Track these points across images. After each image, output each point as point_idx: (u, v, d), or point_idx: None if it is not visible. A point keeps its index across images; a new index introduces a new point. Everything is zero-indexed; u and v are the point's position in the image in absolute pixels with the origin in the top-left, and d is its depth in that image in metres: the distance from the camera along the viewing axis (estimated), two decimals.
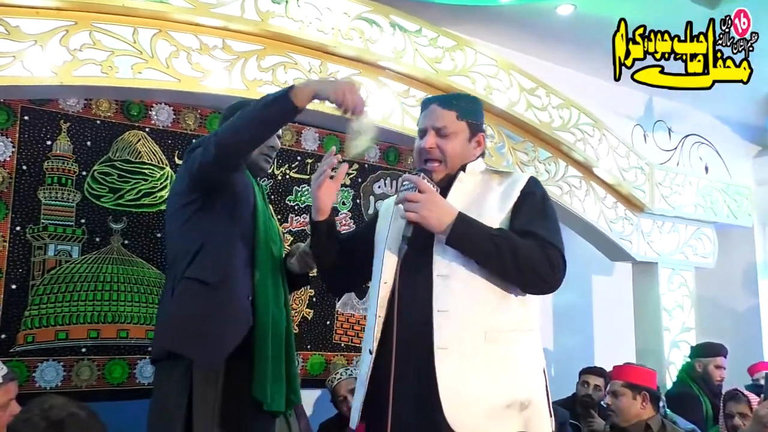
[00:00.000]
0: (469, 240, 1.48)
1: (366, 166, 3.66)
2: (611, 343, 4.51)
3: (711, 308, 4.85)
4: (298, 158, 3.41)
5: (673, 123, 5.18)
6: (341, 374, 2.95)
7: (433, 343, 1.46)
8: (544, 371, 1.58)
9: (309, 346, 3.34)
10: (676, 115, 5.17)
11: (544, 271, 1.49)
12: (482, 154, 1.73)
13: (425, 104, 1.70)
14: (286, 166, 3.36)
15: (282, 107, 1.73)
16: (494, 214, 1.55)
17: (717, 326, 4.66)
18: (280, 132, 2.12)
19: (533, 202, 1.58)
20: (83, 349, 2.68)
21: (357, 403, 1.61)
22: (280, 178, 3.33)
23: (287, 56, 2.86)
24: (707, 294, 4.79)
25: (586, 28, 3.94)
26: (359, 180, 3.62)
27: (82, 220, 2.76)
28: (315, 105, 2.86)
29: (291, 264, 2.12)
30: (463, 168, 1.65)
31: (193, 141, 1.92)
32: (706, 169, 5.28)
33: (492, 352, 1.48)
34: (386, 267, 1.58)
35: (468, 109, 1.69)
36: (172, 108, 3.02)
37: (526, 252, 1.47)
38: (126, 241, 2.85)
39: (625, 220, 4.11)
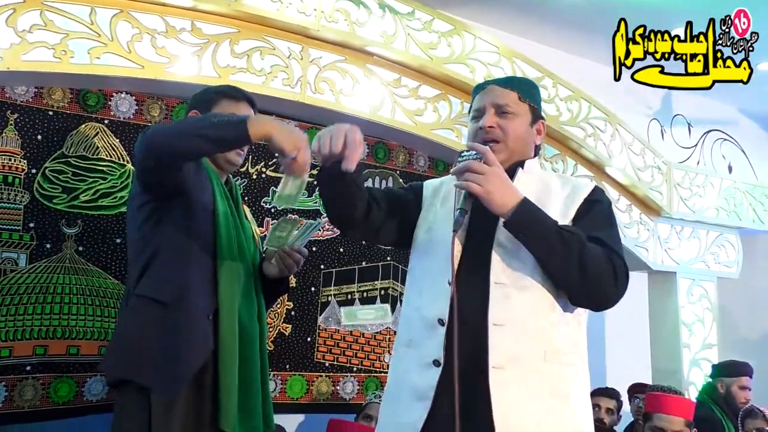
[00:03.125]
0: (534, 228, 1.44)
1: None
2: (624, 361, 4.51)
3: (735, 323, 4.87)
4: (276, 155, 3.37)
5: (693, 117, 5.19)
6: (371, 396, 3.06)
7: (488, 361, 1.43)
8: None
9: (288, 366, 3.30)
10: (697, 109, 5.18)
11: (607, 281, 1.46)
12: (538, 152, 1.73)
13: (480, 87, 1.71)
14: (263, 163, 3.33)
15: (234, 133, 1.72)
16: (556, 217, 1.52)
17: (742, 343, 4.68)
18: None
19: (600, 210, 1.58)
20: (28, 367, 2.64)
21: (412, 418, 1.50)
22: (255, 176, 3.29)
23: (264, 40, 2.85)
24: (731, 307, 4.80)
25: (597, 11, 3.94)
26: None
27: (31, 224, 2.71)
28: (295, 95, 2.90)
29: (268, 267, 2.10)
30: (521, 164, 1.64)
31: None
32: (730, 168, 5.30)
33: (550, 373, 1.46)
34: (453, 265, 1.50)
35: (529, 91, 1.69)
36: (134, 98, 2.98)
37: (594, 255, 1.44)
38: (81, 248, 2.80)
39: (640, 224, 4.12)
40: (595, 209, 1.57)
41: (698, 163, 5.16)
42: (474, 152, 1.48)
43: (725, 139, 5.39)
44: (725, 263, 4.52)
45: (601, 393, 3.60)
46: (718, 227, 4.49)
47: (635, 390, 3.89)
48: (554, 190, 1.61)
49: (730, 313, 4.77)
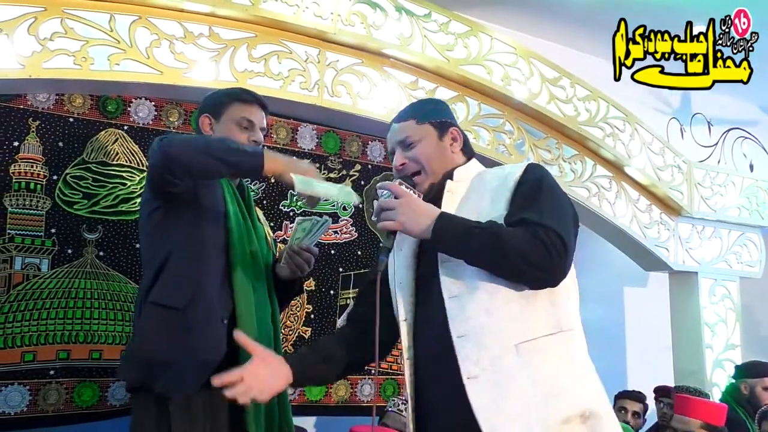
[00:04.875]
0: (449, 237, 1.47)
1: (369, 167, 3.65)
2: (646, 363, 4.49)
3: (758, 323, 4.82)
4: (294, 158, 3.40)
5: (713, 116, 5.16)
6: (391, 404, 3.01)
7: (461, 375, 1.44)
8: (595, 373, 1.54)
9: None
10: (717, 107, 5.15)
11: (538, 256, 1.42)
12: (471, 155, 1.74)
13: (388, 130, 1.77)
14: None
15: (249, 162, 1.79)
16: (489, 212, 1.53)
17: (765, 343, 4.63)
18: (264, 124, 2.13)
19: (526, 189, 1.55)
20: (51, 372, 2.68)
21: None
22: (273, 180, 3.32)
23: (281, 44, 2.87)
24: (754, 307, 4.76)
25: (614, 11, 3.92)
26: (362, 182, 3.61)
27: (53, 230, 2.75)
28: (312, 99, 2.92)
29: (280, 268, 2.11)
30: (450, 176, 1.66)
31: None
32: (751, 167, 5.26)
33: (529, 365, 1.44)
34: (400, 303, 1.59)
35: (424, 111, 1.74)
36: (153, 103, 3.02)
37: (510, 238, 1.42)
38: (101, 253, 2.84)
39: (660, 224, 4.10)
40: (522, 190, 1.55)
41: (719, 161, 5.12)
42: (387, 191, 1.54)
43: (746, 138, 5.35)
44: (748, 263, 4.48)
45: (627, 396, 3.58)
46: (740, 226, 4.45)
47: (661, 393, 3.87)
48: (488, 186, 1.61)
49: (753, 313, 4.73)
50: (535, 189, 1.54)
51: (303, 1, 2.85)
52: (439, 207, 1.56)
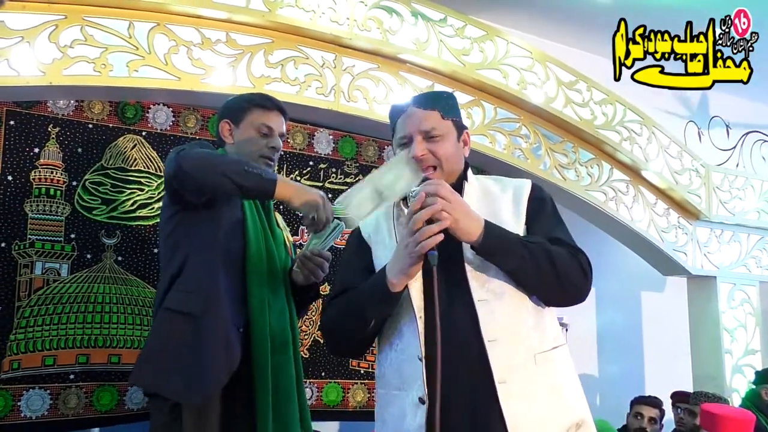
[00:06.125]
0: (502, 249, 1.49)
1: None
2: (664, 368, 4.48)
3: None
4: (311, 163, 3.44)
5: (731, 119, 5.14)
6: None
7: (494, 379, 1.46)
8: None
9: (324, 374, 3.35)
10: (735, 110, 5.13)
11: (577, 278, 1.53)
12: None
13: (400, 110, 1.68)
14: (297, 172, 3.39)
15: (262, 187, 1.82)
16: (511, 224, 1.57)
17: None
18: (283, 130, 2.15)
19: (547, 208, 1.63)
20: (71, 376, 2.72)
21: None
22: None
23: (298, 50, 2.90)
24: None
25: (630, 14, 3.93)
26: None
27: (72, 235, 2.80)
28: (329, 104, 2.95)
29: (294, 275, 2.12)
30: (465, 176, 1.66)
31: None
32: None
33: (543, 374, 1.51)
34: (415, 298, 1.53)
35: (448, 105, 1.69)
36: (171, 109, 3.06)
37: (560, 257, 1.50)
38: (120, 258, 2.88)
39: (678, 228, 4.09)
40: (544, 209, 1.62)
41: (737, 165, 5.10)
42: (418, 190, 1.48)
43: (765, 140, 5.32)
44: (767, 267, 4.47)
45: (643, 401, 3.57)
46: (759, 230, 4.43)
47: (678, 398, 3.86)
48: (498, 195, 1.64)
49: None
50: (554, 209, 1.65)
51: (319, 6, 2.88)
52: None
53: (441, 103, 1.67)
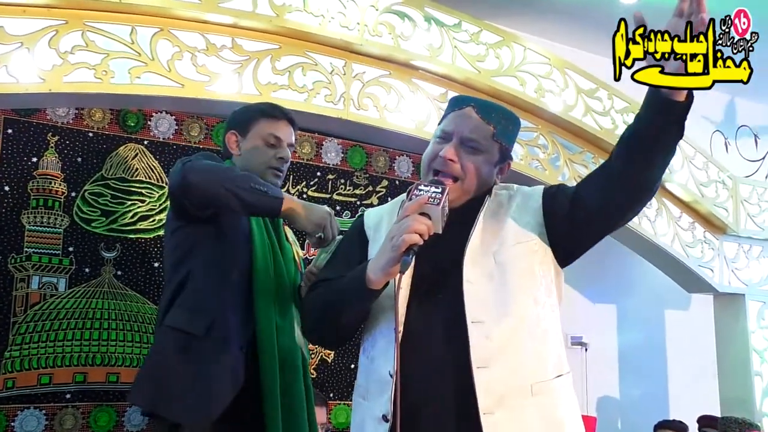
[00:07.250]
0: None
1: (397, 182, 3.62)
2: (689, 390, 4.40)
3: None
4: (318, 174, 3.39)
5: (759, 128, 5.06)
6: None
7: (478, 410, 1.36)
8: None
9: (332, 395, 3.28)
10: (764, 119, 5.05)
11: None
12: None
13: (459, 103, 1.60)
14: (304, 183, 3.34)
15: (268, 205, 1.80)
16: (522, 227, 1.50)
17: None
18: (292, 140, 2.11)
19: (561, 191, 1.54)
20: (68, 395, 2.67)
21: None
22: (296, 197, 3.30)
23: (306, 56, 2.85)
24: None
25: (652, 19, 3.87)
26: (389, 199, 3.58)
27: (70, 248, 2.76)
28: (338, 112, 2.90)
29: (301, 291, 2.06)
30: (489, 192, 1.57)
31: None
32: None
33: (539, 405, 1.41)
34: (400, 307, 1.42)
35: (506, 130, 1.59)
36: (174, 117, 3.02)
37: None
38: (119, 272, 2.84)
39: (704, 243, 4.01)
40: (554, 193, 1.53)
41: (767, 177, 5.01)
42: (434, 188, 1.40)
43: None
44: None
45: (667, 426, 3.52)
46: None
47: (705, 423, 3.75)
48: (504, 204, 1.55)
49: None
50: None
51: (329, 11, 2.84)
52: (474, 219, 1.50)
53: (501, 123, 1.57)
